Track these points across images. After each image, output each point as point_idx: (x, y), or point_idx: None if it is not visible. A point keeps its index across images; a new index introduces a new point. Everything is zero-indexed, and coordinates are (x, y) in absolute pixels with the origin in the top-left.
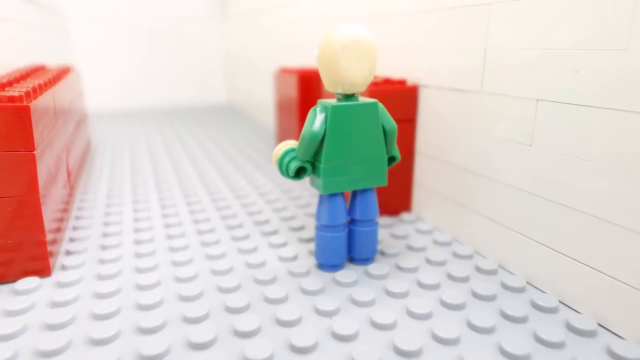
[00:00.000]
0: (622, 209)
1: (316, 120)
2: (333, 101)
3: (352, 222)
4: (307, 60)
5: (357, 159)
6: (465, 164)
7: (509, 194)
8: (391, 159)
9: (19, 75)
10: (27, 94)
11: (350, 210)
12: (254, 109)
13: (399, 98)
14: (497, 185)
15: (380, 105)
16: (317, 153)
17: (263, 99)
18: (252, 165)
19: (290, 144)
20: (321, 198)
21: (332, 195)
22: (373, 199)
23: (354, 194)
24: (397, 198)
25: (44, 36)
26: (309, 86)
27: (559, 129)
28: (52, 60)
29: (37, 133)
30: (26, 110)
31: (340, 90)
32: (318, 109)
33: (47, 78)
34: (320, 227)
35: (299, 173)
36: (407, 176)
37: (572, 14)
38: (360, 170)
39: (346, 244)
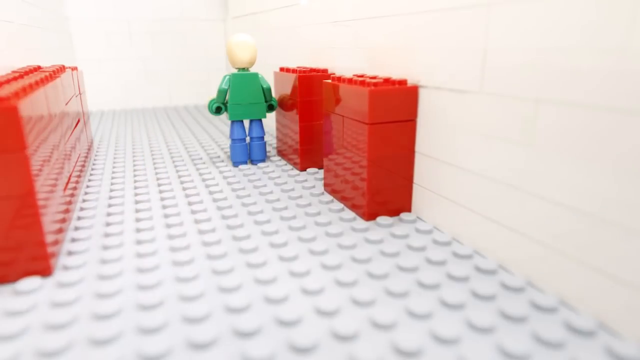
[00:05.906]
0: (622, 209)
1: (224, 81)
2: (234, 71)
3: (251, 139)
4: (306, 60)
5: (247, 102)
6: (465, 164)
7: (509, 193)
8: (271, 107)
9: (11, 77)
10: (16, 93)
11: (249, 132)
12: None
13: (399, 98)
14: (496, 185)
15: (260, 75)
16: (226, 101)
17: None
18: (253, 165)
19: (214, 96)
20: (231, 124)
21: (237, 122)
22: (260, 125)
23: (250, 123)
24: (396, 198)
25: (45, 37)
26: (309, 86)
27: (559, 129)
28: (55, 61)
29: (29, 132)
30: (14, 110)
31: (236, 66)
32: (227, 76)
33: (38, 78)
34: (232, 141)
35: (218, 110)
36: (407, 176)
37: (571, 14)
38: (250, 108)
39: (247, 151)
